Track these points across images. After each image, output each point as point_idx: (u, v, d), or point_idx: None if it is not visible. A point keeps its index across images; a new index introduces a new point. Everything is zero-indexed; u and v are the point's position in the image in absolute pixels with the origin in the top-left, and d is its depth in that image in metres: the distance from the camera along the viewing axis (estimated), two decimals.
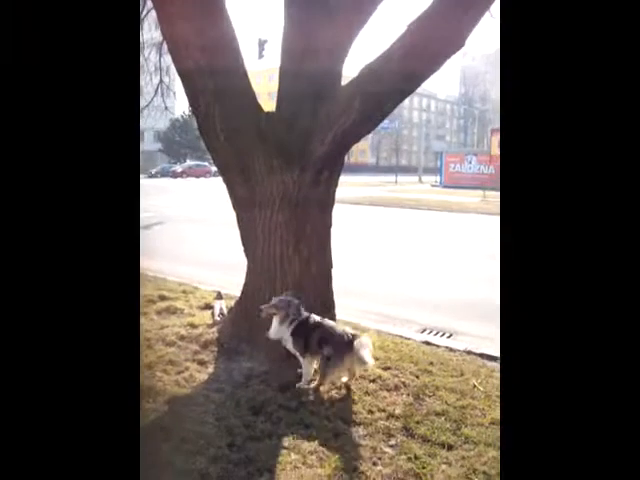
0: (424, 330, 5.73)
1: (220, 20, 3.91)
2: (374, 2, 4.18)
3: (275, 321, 3.84)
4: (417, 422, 3.34)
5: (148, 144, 63.08)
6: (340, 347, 3.69)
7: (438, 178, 40.31)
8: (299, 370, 3.84)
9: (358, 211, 18.54)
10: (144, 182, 35.36)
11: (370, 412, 3.45)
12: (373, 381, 3.87)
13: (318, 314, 4.39)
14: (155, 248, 9.38)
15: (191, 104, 4.26)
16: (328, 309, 4.55)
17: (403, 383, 3.86)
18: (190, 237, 12.22)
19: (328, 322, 3.93)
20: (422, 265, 9.57)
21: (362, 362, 3.67)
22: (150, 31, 7.35)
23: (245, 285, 4.56)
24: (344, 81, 4.25)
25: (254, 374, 3.92)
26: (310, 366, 3.83)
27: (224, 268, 7.80)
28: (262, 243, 4.23)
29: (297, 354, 3.84)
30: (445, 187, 35.87)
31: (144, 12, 6.54)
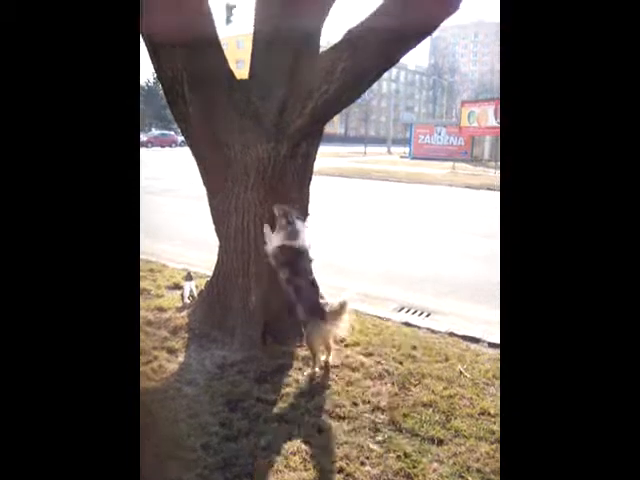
0: (402, 309, 5.56)
1: None
2: None
3: None
4: (404, 415, 3.13)
5: None
6: None
7: (407, 149, 40.14)
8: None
9: (328, 182, 18.22)
10: None
11: (354, 404, 3.23)
12: (355, 369, 3.66)
13: None
14: None
15: (157, 71, 3.87)
16: None
17: (387, 371, 3.65)
18: (157, 210, 11.78)
19: None
20: (393, 239, 9.36)
21: None
22: None
23: (217, 266, 4.26)
24: (323, 49, 3.94)
25: (228, 363, 3.66)
26: None
27: (194, 244, 7.50)
28: (235, 221, 3.92)
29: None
30: (414, 159, 35.73)
31: None
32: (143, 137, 47.54)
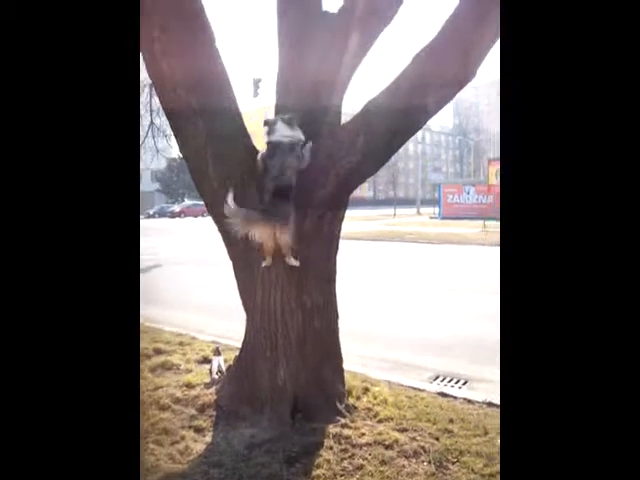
0: (437, 377, 5.37)
1: (210, 58, 3.62)
2: (373, 33, 3.91)
3: None
4: None
5: (146, 184, 63.17)
6: None
7: (436, 209, 40.20)
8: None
9: (358, 247, 18.22)
10: (142, 223, 35.19)
11: None
12: (389, 447, 3.48)
13: (324, 371, 4.06)
14: (152, 293, 9.03)
15: (181, 147, 3.95)
16: (334, 364, 4.19)
17: (422, 448, 3.47)
18: (189, 280, 11.87)
19: None
20: (425, 303, 9.20)
21: None
22: (141, 71, 7.09)
23: (244, 341, 4.19)
24: (344, 118, 3.98)
25: (256, 442, 3.53)
26: None
27: (225, 314, 7.44)
28: (261, 295, 3.88)
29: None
30: (444, 218, 35.69)
31: None
32: (176, 208, 48.97)
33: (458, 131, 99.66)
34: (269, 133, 3.60)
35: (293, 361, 3.85)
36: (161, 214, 48.60)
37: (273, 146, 3.57)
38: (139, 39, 2.06)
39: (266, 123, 3.66)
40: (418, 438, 3.61)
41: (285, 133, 3.55)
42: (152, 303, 8.23)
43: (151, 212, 49.14)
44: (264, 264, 3.70)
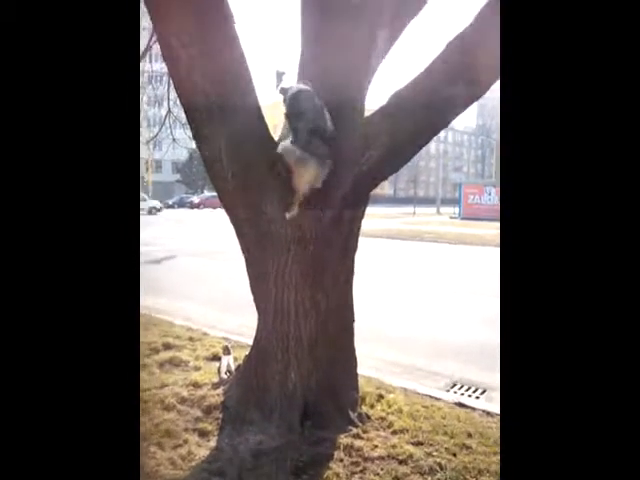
0: (454, 385, 5.16)
1: (230, 47, 3.42)
2: (401, 26, 3.70)
3: None
4: None
5: (167, 175, 63.64)
6: None
7: (456, 209, 39.77)
8: None
9: (376, 245, 18.00)
10: (160, 213, 35.27)
11: None
12: (403, 462, 3.28)
13: (336, 376, 3.88)
14: (164, 285, 8.94)
15: (195, 138, 3.77)
16: (348, 369, 4.00)
17: (439, 465, 3.26)
18: (203, 273, 11.75)
19: None
20: (443, 306, 8.96)
21: None
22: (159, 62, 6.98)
23: (255, 341, 4.01)
24: (368, 113, 3.77)
25: (263, 450, 3.35)
26: None
27: (239, 308, 7.29)
28: (275, 296, 3.68)
29: None
30: (464, 219, 35.28)
31: (153, 39, 6.14)
32: (195, 199, 49.19)
33: (481, 131, 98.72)
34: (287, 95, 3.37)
35: (305, 365, 3.66)
36: (180, 204, 48.85)
37: (297, 95, 3.31)
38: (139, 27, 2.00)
39: (282, 90, 3.43)
40: (434, 453, 3.41)
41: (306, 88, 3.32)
42: (163, 295, 8.14)
43: (170, 202, 49.42)
44: (288, 216, 3.39)
